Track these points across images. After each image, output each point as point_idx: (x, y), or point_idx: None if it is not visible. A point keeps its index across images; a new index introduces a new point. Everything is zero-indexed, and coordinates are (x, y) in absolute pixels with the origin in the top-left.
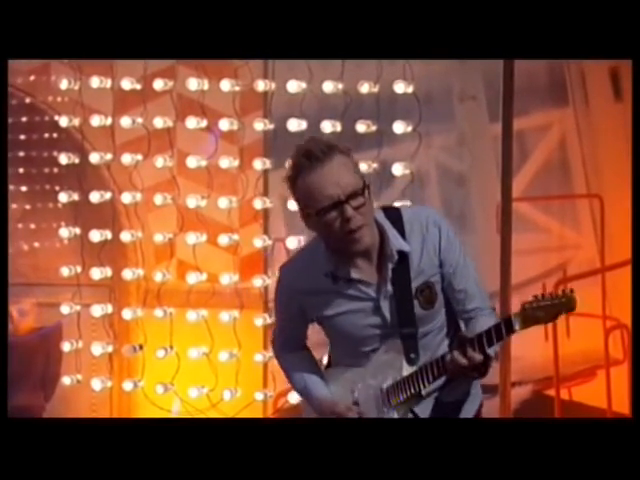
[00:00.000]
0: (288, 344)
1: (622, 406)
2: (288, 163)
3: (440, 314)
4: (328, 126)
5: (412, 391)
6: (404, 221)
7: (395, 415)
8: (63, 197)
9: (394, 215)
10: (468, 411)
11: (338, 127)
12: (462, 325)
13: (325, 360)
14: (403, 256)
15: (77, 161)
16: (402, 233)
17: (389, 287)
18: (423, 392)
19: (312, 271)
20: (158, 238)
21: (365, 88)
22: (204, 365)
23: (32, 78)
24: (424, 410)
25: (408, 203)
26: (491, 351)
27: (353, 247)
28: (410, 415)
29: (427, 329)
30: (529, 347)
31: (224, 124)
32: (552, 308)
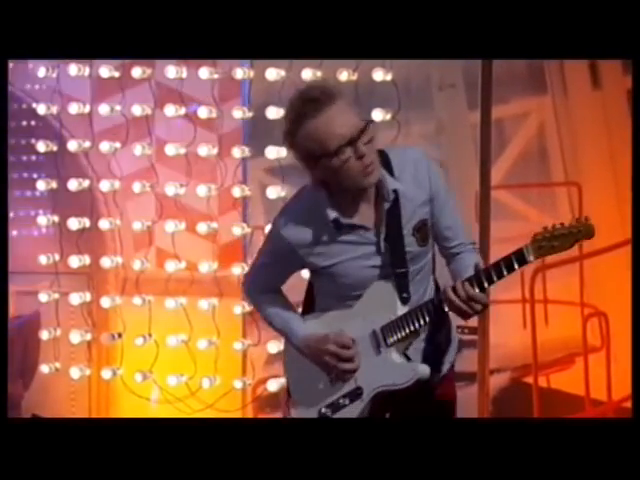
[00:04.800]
0: (264, 286)
1: (600, 393)
2: (288, 114)
3: (430, 251)
4: None
5: (410, 329)
6: (392, 163)
7: (393, 353)
8: (41, 185)
9: (382, 158)
10: (451, 354)
11: None
12: (446, 261)
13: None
14: (396, 195)
15: (55, 149)
16: (391, 174)
17: (384, 227)
18: (420, 329)
19: (312, 222)
20: (137, 226)
21: (344, 76)
22: (183, 353)
23: (10, 65)
24: (416, 353)
25: None
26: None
27: (366, 181)
28: (405, 354)
29: (419, 267)
30: (507, 335)
31: (203, 112)
32: (569, 237)
